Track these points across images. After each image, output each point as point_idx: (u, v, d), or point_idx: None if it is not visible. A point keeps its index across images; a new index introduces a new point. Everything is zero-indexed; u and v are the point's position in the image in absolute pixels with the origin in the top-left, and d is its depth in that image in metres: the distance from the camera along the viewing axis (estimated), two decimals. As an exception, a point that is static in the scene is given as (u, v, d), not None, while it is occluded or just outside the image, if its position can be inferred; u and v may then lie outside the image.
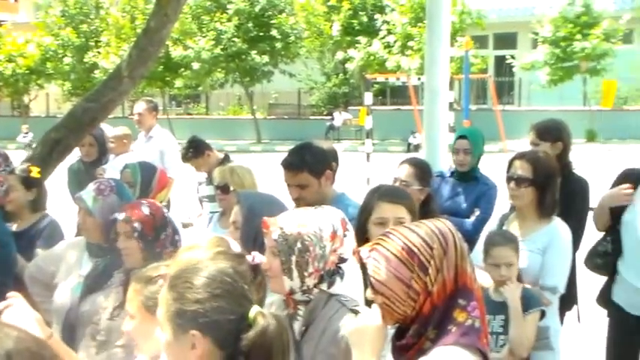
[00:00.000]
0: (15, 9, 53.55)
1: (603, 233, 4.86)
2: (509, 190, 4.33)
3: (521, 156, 4.39)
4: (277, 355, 2.01)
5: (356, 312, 2.70)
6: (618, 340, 4.84)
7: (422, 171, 4.88)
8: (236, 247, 2.60)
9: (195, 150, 6.90)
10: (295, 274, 2.77)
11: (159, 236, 3.58)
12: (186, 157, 6.97)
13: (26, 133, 30.84)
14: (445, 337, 2.23)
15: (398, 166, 4.96)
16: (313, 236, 2.78)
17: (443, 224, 2.33)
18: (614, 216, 4.73)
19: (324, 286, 2.82)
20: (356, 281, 2.86)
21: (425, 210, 4.29)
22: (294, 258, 2.76)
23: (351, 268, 2.85)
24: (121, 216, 3.60)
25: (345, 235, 2.86)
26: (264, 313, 2.03)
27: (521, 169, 4.28)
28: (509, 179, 4.32)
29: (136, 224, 3.54)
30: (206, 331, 1.99)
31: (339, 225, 2.86)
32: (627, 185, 4.64)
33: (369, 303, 2.41)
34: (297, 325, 2.84)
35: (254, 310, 2.02)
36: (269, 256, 2.77)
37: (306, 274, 2.77)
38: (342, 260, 2.84)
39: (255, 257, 2.57)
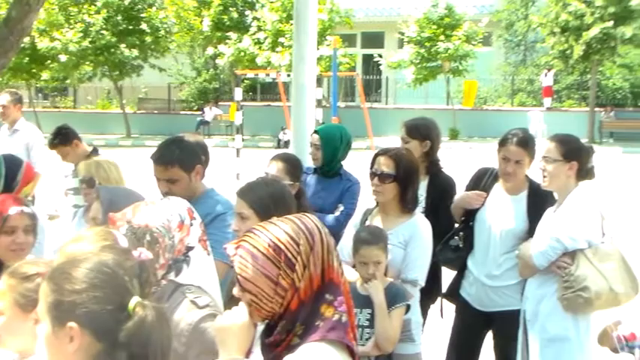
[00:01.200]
0: None
1: (455, 227, 5.01)
2: (373, 186, 4.40)
3: (384, 152, 4.45)
4: (156, 346, 1.98)
5: (200, 305, 2.74)
6: (462, 335, 5.00)
7: (292, 166, 4.94)
8: (123, 242, 2.63)
9: (63, 137, 6.68)
10: None
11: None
12: (52, 144, 6.70)
13: None
14: (312, 333, 2.22)
15: (269, 162, 4.99)
16: (162, 227, 2.78)
17: (309, 220, 2.33)
18: (468, 212, 4.91)
19: (171, 276, 2.82)
20: (203, 268, 2.88)
21: (298, 206, 4.36)
22: None
23: (198, 256, 2.88)
24: None
25: (191, 224, 2.88)
26: (145, 304, 1.99)
27: (385, 165, 4.35)
28: (372, 175, 4.39)
29: None
30: (84, 322, 1.95)
31: (186, 214, 2.88)
32: (482, 193, 4.83)
33: (234, 301, 2.39)
34: None
35: (134, 301, 1.98)
36: None
37: (157, 266, 2.77)
38: (189, 248, 2.86)
39: (142, 253, 2.60)
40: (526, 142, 4.69)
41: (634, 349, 3.74)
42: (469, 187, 5.00)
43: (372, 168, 4.43)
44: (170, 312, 2.73)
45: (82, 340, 1.95)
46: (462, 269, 5.00)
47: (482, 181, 4.94)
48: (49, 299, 2.01)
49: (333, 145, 5.61)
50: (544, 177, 4.47)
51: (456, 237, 4.98)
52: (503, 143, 4.74)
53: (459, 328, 5.04)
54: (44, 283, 2.06)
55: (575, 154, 4.44)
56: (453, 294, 5.04)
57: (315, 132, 5.76)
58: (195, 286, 2.83)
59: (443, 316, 5.21)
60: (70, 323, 1.95)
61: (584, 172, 4.46)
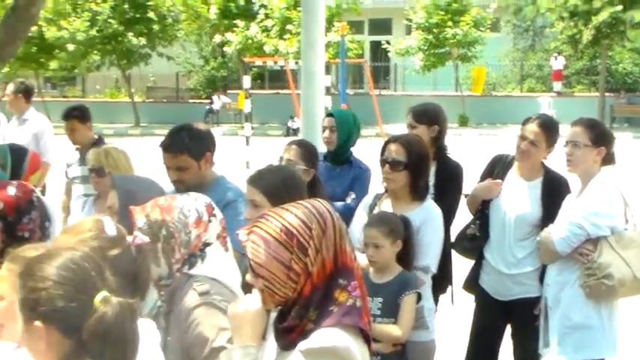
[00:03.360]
0: None
1: (472, 217, 4.98)
2: (384, 174, 4.36)
3: (395, 140, 4.42)
4: (115, 343, 1.93)
5: (199, 291, 2.74)
6: (483, 326, 4.96)
7: (308, 152, 4.91)
8: (111, 230, 2.59)
9: (82, 113, 6.64)
10: (162, 261, 2.78)
11: (20, 219, 3.42)
12: (71, 115, 6.62)
13: None
14: (327, 318, 2.21)
15: (284, 148, 4.98)
16: (178, 223, 2.78)
17: (321, 204, 2.32)
18: (485, 200, 4.85)
19: (185, 269, 2.83)
20: (221, 264, 2.88)
21: (311, 193, 4.34)
22: (160, 245, 2.76)
23: (216, 252, 2.87)
24: None
25: (210, 221, 2.87)
26: (109, 300, 1.94)
27: (396, 152, 4.30)
28: (383, 162, 4.34)
29: None
30: (49, 320, 1.93)
31: (204, 211, 2.87)
32: (498, 181, 4.77)
33: (249, 287, 2.38)
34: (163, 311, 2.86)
35: (100, 296, 1.94)
36: None
37: (173, 260, 2.78)
38: (207, 245, 2.85)
39: (137, 238, 2.58)
40: (546, 126, 4.65)
41: None
42: (484, 176, 4.95)
43: (382, 155, 4.39)
44: (179, 301, 2.76)
45: (49, 338, 1.94)
46: (479, 259, 4.95)
47: (497, 167, 4.90)
48: (19, 296, 2.01)
49: (347, 128, 5.56)
50: (569, 161, 4.39)
51: (472, 226, 4.94)
52: (524, 122, 4.70)
53: (479, 319, 5.00)
54: (17, 279, 2.05)
55: (603, 139, 4.38)
56: (472, 284, 5.00)
57: (330, 115, 5.72)
58: (207, 277, 2.82)
59: (454, 302, 5.18)
60: (36, 322, 1.94)
61: (608, 158, 4.41)
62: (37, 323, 1.93)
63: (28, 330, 1.98)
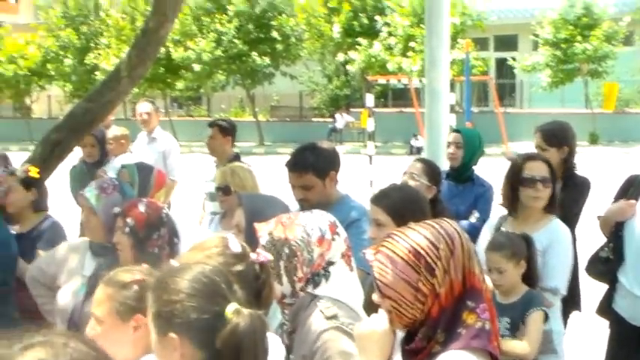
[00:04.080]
0: (15, 10, 53.54)
1: (605, 240, 4.80)
2: (533, 192, 4.23)
3: (534, 157, 4.37)
4: (247, 354, 1.98)
5: (326, 315, 2.70)
6: (618, 352, 4.74)
7: (432, 170, 4.89)
8: (235, 247, 2.62)
9: (228, 124, 6.77)
10: (285, 279, 2.76)
11: (150, 235, 3.54)
12: (216, 124, 6.80)
13: None
14: (455, 341, 2.18)
15: (410, 164, 5.00)
16: (300, 241, 2.76)
17: (449, 224, 2.29)
18: (618, 222, 4.66)
19: (309, 289, 2.79)
20: (344, 283, 2.83)
21: (433, 212, 4.26)
22: (282, 263, 2.75)
23: (341, 271, 2.83)
24: (117, 210, 3.62)
25: (333, 239, 2.83)
26: (241, 311, 2.00)
27: (542, 170, 4.24)
28: (531, 181, 4.22)
29: (129, 220, 3.52)
30: (182, 332, 2.01)
31: (327, 229, 2.83)
32: (632, 202, 4.57)
33: (373, 307, 2.36)
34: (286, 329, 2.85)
35: (230, 308, 2.00)
36: None
37: (295, 279, 2.76)
38: (330, 263, 2.82)
39: (260, 255, 2.55)
40: None
41: None
42: (618, 196, 4.76)
43: (521, 174, 4.26)
44: (303, 323, 2.74)
45: (183, 350, 2.00)
46: (613, 282, 4.73)
47: (632, 188, 4.69)
48: (152, 309, 2.07)
49: (473, 147, 5.56)
50: None
51: (606, 248, 4.75)
52: None
53: (615, 345, 4.78)
54: (149, 293, 2.12)
55: None
56: (606, 309, 4.79)
57: (457, 131, 5.73)
58: (332, 299, 2.79)
59: (581, 325, 4.96)
60: (171, 333, 2.01)
61: None
62: (172, 335, 2.01)
63: (162, 342, 2.04)
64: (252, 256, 2.58)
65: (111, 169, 6.89)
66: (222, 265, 2.41)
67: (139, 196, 4.75)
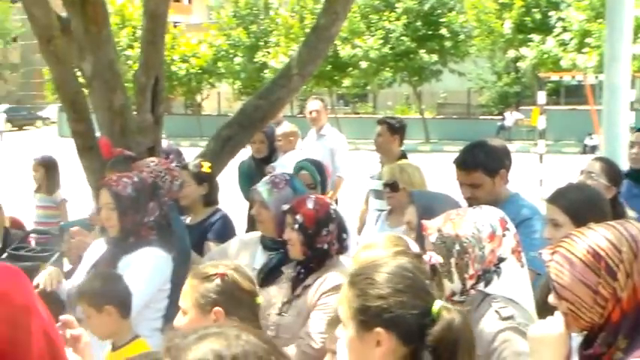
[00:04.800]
0: (189, 10, 56.02)
1: None
2: None
3: None
4: (464, 349, 2.00)
5: (503, 315, 2.63)
6: None
7: (612, 169, 4.66)
8: (414, 247, 2.68)
9: (397, 123, 6.75)
10: (455, 276, 2.70)
11: (320, 231, 3.56)
12: (384, 121, 6.72)
13: None
14: (638, 349, 2.06)
15: (589, 162, 4.79)
16: (472, 237, 2.70)
17: (632, 226, 2.17)
18: None
19: (480, 286, 2.73)
20: (515, 280, 2.76)
21: (613, 213, 4.05)
22: (453, 260, 2.69)
23: (512, 267, 2.76)
24: (286, 207, 3.65)
25: (504, 235, 2.76)
26: (449, 308, 2.02)
27: None
28: None
29: (298, 216, 3.56)
30: (390, 327, 2.00)
31: (498, 224, 2.76)
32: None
33: (545, 309, 2.30)
34: None
35: (438, 305, 2.02)
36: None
37: (466, 276, 2.70)
38: (501, 260, 2.74)
39: (432, 257, 2.55)
40: None
41: None
42: None
43: None
44: (476, 321, 2.67)
45: (389, 344, 2.00)
46: None
47: None
48: (353, 304, 2.06)
49: None
50: None
51: None
52: None
53: None
54: (345, 288, 2.11)
55: None
56: None
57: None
58: (505, 298, 2.71)
59: None
60: (377, 328, 2.00)
61: None
62: (378, 330, 2.01)
63: (364, 337, 2.04)
64: (425, 257, 2.57)
65: (279, 166, 7.01)
66: None
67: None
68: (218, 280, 2.75)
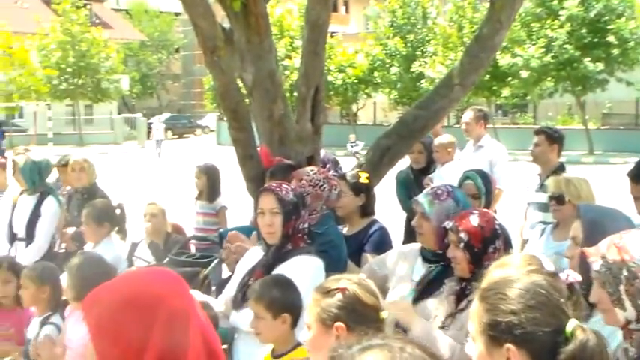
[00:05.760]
0: (346, 21, 56.73)
1: None
2: None
3: None
4: None
5: None
6: None
7: None
8: (549, 266, 2.58)
9: (556, 133, 6.52)
10: (627, 303, 2.52)
11: (486, 249, 3.45)
12: (543, 131, 6.53)
13: (354, 142, 30.95)
14: None
15: None
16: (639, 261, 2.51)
17: None
18: None
19: None
20: None
21: None
22: (622, 287, 2.51)
23: None
24: (449, 224, 3.56)
25: None
26: (584, 328, 1.97)
27: None
28: None
29: (463, 234, 3.46)
30: (520, 343, 1.97)
31: None
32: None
33: None
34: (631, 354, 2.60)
35: (572, 324, 1.97)
36: (596, 287, 2.55)
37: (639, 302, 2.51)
38: None
39: (570, 275, 2.44)
40: None
41: None
42: None
43: None
44: None
45: None
46: None
47: None
48: (483, 319, 2.04)
49: None
50: None
51: None
52: None
53: None
54: (476, 302, 2.09)
55: None
56: None
57: None
58: None
59: None
60: (507, 344, 1.95)
61: None
62: (508, 345, 1.98)
63: (494, 352, 2.02)
64: (562, 275, 2.44)
65: (437, 177, 6.91)
66: None
67: (485, 207, 4.72)
68: (339, 295, 2.75)
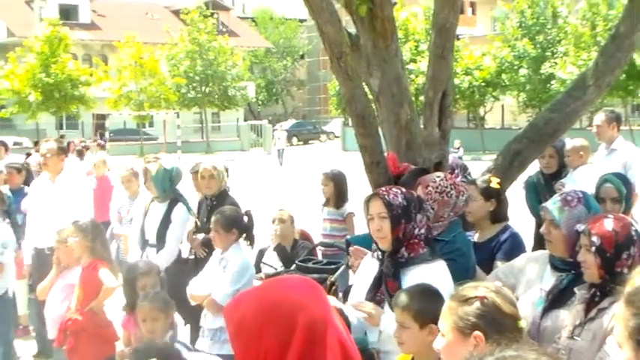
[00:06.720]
0: (473, 22, 55.87)
1: None
2: None
3: None
4: None
5: None
6: None
7: None
8: None
9: None
10: None
11: (620, 255, 3.30)
12: None
13: (457, 148, 29.68)
14: None
15: None
16: None
17: None
18: None
19: None
20: None
21: None
22: None
23: None
24: (581, 227, 3.43)
25: None
26: None
27: None
28: None
29: (595, 238, 3.32)
30: None
31: None
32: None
33: None
34: None
35: None
36: None
37: None
38: None
39: None
40: None
41: None
42: None
43: None
44: None
45: None
46: None
47: None
48: (630, 323, 1.96)
49: None
50: None
51: None
52: None
53: None
54: (621, 307, 2.00)
55: None
56: None
57: None
58: None
59: None
60: None
61: None
62: None
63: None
64: None
65: (569, 182, 6.69)
66: None
67: (625, 212, 4.52)
68: (478, 303, 2.67)
